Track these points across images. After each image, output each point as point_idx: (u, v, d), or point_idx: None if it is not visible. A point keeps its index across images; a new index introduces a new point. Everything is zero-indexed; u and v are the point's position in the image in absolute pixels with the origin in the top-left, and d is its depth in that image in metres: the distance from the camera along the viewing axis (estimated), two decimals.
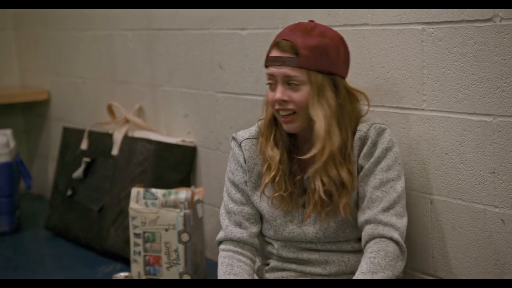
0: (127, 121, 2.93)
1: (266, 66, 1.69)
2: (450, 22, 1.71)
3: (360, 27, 1.94)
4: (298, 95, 1.64)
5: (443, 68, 1.74)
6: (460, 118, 1.73)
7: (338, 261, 1.72)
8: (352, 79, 1.97)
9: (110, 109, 3.02)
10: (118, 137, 2.88)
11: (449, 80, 1.73)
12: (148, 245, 2.48)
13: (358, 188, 1.68)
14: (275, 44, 1.66)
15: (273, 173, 1.69)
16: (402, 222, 1.66)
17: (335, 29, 1.99)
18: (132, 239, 2.51)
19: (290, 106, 1.65)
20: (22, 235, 3.19)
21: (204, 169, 2.68)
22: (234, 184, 1.78)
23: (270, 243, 1.80)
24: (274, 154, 1.69)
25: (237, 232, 1.76)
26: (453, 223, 1.78)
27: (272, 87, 1.67)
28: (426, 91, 1.79)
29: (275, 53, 1.66)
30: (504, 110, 1.63)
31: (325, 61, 1.64)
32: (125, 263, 2.65)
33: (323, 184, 1.65)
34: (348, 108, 1.68)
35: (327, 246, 1.73)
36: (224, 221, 1.79)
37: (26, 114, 3.86)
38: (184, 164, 2.72)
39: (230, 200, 1.79)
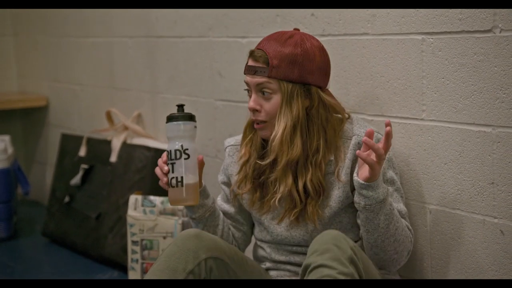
0: (125, 128, 2.94)
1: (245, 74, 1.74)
2: (450, 32, 1.72)
3: (360, 36, 1.96)
4: (269, 105, 1.69)
5: (443, 78, 1.76)
6: (459, 128, 1.74)
7: None
8: (352, 88, 1.98)
9: (109, 116, 3.03)
10: (116, 144, 2.88)
11: (449, 90, 1.74)
12: (145, 252, 2.49)
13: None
14: (251, 53, 1.72)
15: (240, 173, 1.76)
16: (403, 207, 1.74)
17: (335, 38, 2.00)
18: (130, 247, 2.52)
19: (261, 117, 1.70)
20: (19, 242, 3.19)
21: (203, 176, 2.68)
22: (224, 183, 1.89)
23: (262, 247, 1.81)
24: (243, 154, 1.76)
25: (225, 206, 1.85)
26: (452, 234, 1.79)
27: (249, 94, 1.73)
28: (426, 101, 1.81)
29: (250, 62, 1.72)
30: (504, 121, 1.64)
31: (296, 71, 1.66)
32: (123, 270, 2.66)
33: (283, 190, 1.69)
34: (321, 117, 1.69)
35: None
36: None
37: (25, 120, 3.87)
38: None
39: (219, 198, 1.91)
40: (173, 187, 1.65)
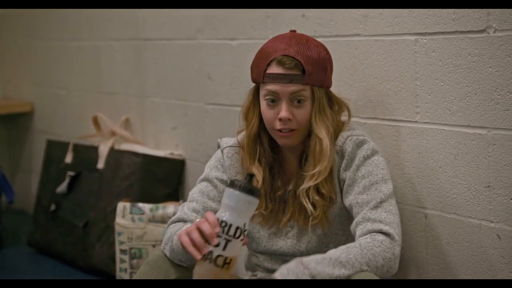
0: (113, 133, 2.94)
1: (262, 82, 1.67)
2: (443, 33, 1.73)
3: (352, 37, 1.97)
4: (301, 113, 1.65)
5: (437, 79, 1.77)
6: (454, 130, 1.75)
7: None
8: (344, 91, 1.99)
9: (96, 121, 3.03)
10: (104, 150, 2.88)
11: (443, 92, 1.76)
12: (134, 261, 2.48)
13: (344, 201, 1.68)
14: (276, 61, 1.65)
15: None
16: (393, 218, 1.59)
17: (327, 39, 2.02)
18: (118, 256, 2.51)
19: (293, 126, 1.66)
20: (3, 252, 3.18)
21: (193, 182, 2.67)
22: (207, 179, 1.78)
23: (255, 255, 1.82)
24: (259, 173, 1.71)
25: (192, 216, 1.72)
26: (448, 238, 1.80)
27: (271, 105, 1.67)
28: (420, 103, 1.82)
29: (278, 70, 1.65)
30: (499, 123, 1.65)
31: (323, 75, 1.67)
32: None
33: (313, 202, 1.67)
34: (337, 121, 1.71)
35: None
36: (182, 207, 1.75)
37: (9, 126, 3.86)
38: (172, 178, 2.73)
39: (197, 191, 1.77)
40: (217, 266, 1.45)
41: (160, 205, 2.51)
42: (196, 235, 1.47)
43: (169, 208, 2.47)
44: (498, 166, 1.67)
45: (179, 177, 2.73)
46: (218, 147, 1.82)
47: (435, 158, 1.80)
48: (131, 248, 2.48)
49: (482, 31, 1.65)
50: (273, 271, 1.77)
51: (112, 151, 2.87)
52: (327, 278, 1.48)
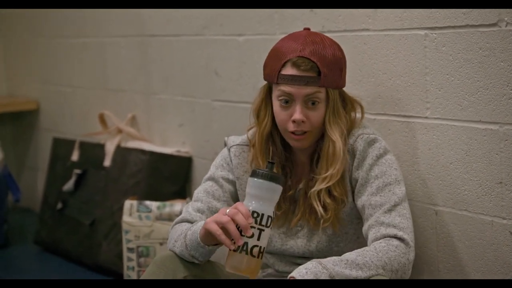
0: (119, 131, 2.93)
1: (276, 83, 1.65)
2: (453, 27, 1.72)
3: (360, 32, 1.95)
4: (315, 115, 1.64)
5: (447, 74, 1.75)
6: (465, 126, 1.73)
7: None
8: (353, 86, 1.98)
9: (102, 119, 3.03)
10: (110, 148, 2.88)
11: (454, 87, 1.74)
12: (142, 260, 2.48)
13: (356, 201, 1.67)
14: (292, 62, 1.63)
15: None
16: (407, 223, 1.59)
17: (335, 35, 2.01)
18: (125, 254, 2.51)
19: (306, 128, 1.64)
20: (10, 250, 3.18)
21: (200, 180, 2.66)
22: (213, 178, 1.77)
23: (264, 256, 1.81)
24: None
25: (197, 216, 1.70)
26: (459, 236, 1.79)
27: (284, 106, 1.65)
28: (430, 98, 1.80)
29: (293, 72, 1.62)
30: (511, 118, 1.64)
31: (338, 76, 1.66)
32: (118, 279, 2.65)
33: (324, 205, 1.66)
34: (351, 122, 1.70)
35: None
36: (187, 208, 1.74)
37: (14, 124, 3.87)
38: (179, 175, 2.73)
39: (202, 191, 1.76)
40: (253, 256, 1.46)
41: (167, 202, 2.50)
42: (233, 227, 1.47)
43: (176, 205, 2.47)
44: (510, 162, 1.65)
45: (186, 174, 2.73)
46: (225, 145, 1.80)
47: (446, 154, 1.79)
48: (138, 246, 2.48)
49: (494, 24, 1.64)
50: (284, 273, 1.76)
51: (119, 149, 2.87)
52: (345, 278, 1.47)
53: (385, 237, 1.57)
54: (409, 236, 1.57)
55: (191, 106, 2.67)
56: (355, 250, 1.54)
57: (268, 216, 1.48)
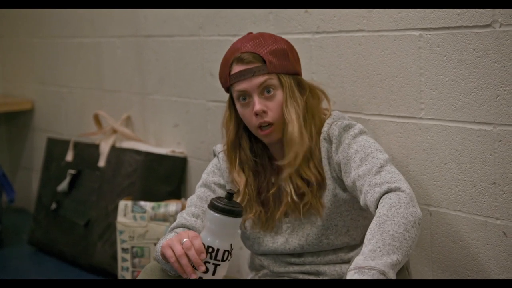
0: (114, 131, 2.94)
1: (230, 86, 1.71)
2: (448, 28, 1.73)
3: (355, 33, 1.96)
4: (274, 103, 1.68)
5: (441, 75, 1.76)
6: (459, 127, 1.74)
7: (330, 271, 1.74)
8: (348, 87, 1.99)
9: (97, 119, 3.03)
10: (105, 148, 2.88)
11: (448, 88, 1.75)
12: (136, 260, 2.49)
13: (346, 182, 1.66)
14: (235, 60, 1.69)
15: (239, 198, 1.73)
16: (398, 176, 1.56)
17: (330, 35, 2.01)
18: (120, 255, 2.52)
19: (270, 118, 1.68)
20: (4, 251, 3.18)
21: (195, 180, 2.69)
22: (205, 185, 1.79)
23: (258, 259, 1.82)
24: (240, 178, 1.73)
25: (192, 221, 1.72)
26: (453, 236, 1.80)
27: (244, 104, 1.69)
28: (424, 99, 1.81)
29: (239, 68, 1.68)
30: (505, 119, 1.65)
31: (286, 62, 1.70)
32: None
33: (297, 187, 1.69)
34: (313, 105, 1.73)
35: (314, 260, 1.75)
36: (181, 214, 1.75)
37: (9, 124, 3.87)
38: (174, 176, 2.73)
39: (196, 197, 1.78)
40: None
41: (162, 203, 2.51)
42: (185, 262, 1.49)
43: (171, 206, 2.47)
44: (504, 162, 1.66)
45: (181, 175, 2.73)
46: (214, 155, 1.84)
47: (440, 154, 1.79)
48: (133, 247, 2.49)
49: (488, 25, 1.65)
50: (279, 273, 1.77)
51: (114, 149, 2.87)
52: (390, 266, 1.38)
53: (382, 195, 1.53)
54: (403, 185, 1.53)
55: (186, 107, 2.67)
56: (370, 231, 1.45)
57: (225, 251, 1.46)
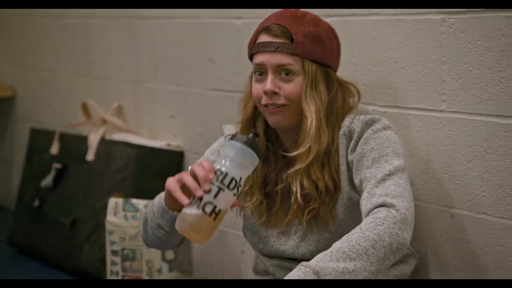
0: (104, 121, 2.94)
1: (252, 55, 1.71)
2: (473, 11, 1.73)
3: (370, 16, 1.96)
4: (290, 87, 1.66)
5: (466, 64, 1.76)
6: (484, 121, 1.74)
7: None
8: (362, 76, 1.99)
9: (85, 108, 3.03)
10: (93, 140, 2.89)
11: (472, 78, 1.75)
12: (127, 263, 2.49)
13: (355, 180, 1.66)
14: (264, 29, 1.69)
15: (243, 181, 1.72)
16: (403, 192, 1.55)
17: (343, 19, 2.01)
18: (109, 257, 2.52)
19: (281, 101, 1.67)
20: None
21: None
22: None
23: (263, 262, 1.83)
24: None
25: None
26: (477, 241, 1.80)
27: (259, 79, 1.70)
28: (446, 90, 1.81)
29: (264, 38, 1.68)
30: None
31: (319, 50, 1.68)
32: None
33: (303, 187, 1.68)
34: (338, 104, 1.71)
35: None
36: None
37: None
38: (170, 171, 2.72)
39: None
40: (204, 212, 1.46)
41: None
42: (188, 179, 1.49)
43: None
44: None
45: (177, 170, 2.73)
46: (222, 134, 1.84)
47: (463, 151, 1.80)
48: (123, 249, 2.49)
49: None
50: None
51: (103, 142, 2.88)
52: (334, 272, 1.43)
53: (375, 207, 1.53)
54: (398, 201, 1.52)
55: (184, 96, 2.67)
56: (343, 236, 1.50)
57: (233, 178, 1.48)
